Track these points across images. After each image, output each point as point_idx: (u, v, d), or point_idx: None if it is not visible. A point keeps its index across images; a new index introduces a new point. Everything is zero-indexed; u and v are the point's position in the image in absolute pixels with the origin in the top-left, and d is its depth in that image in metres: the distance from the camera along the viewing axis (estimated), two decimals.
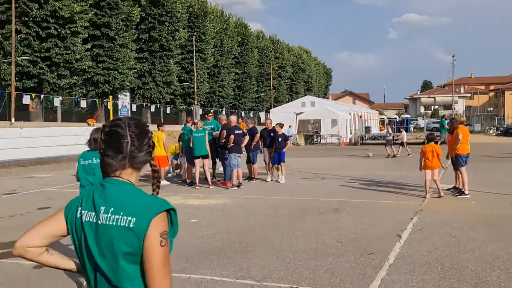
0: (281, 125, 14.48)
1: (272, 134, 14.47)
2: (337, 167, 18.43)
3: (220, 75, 55.82)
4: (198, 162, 13.15)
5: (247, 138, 13.64)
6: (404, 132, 25.98)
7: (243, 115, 55.63)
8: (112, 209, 1.79)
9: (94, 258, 1.80)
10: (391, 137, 24.01)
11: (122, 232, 1.75)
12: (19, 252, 1.90)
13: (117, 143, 1.85)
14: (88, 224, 1.83)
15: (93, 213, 1.83)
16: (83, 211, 1.86)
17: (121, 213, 1.77)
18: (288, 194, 11.90)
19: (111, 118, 17.31)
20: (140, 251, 1.73)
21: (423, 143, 32.04)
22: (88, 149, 5.51)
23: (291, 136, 35.51)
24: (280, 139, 14.22)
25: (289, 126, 36.10)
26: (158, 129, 13.76)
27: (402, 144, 24.52)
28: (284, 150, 14.17)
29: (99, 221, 1.80)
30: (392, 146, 23.24)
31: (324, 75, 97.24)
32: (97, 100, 38.25)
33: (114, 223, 1.77)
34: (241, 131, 13.36)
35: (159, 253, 1.73)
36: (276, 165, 14.36)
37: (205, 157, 13.04)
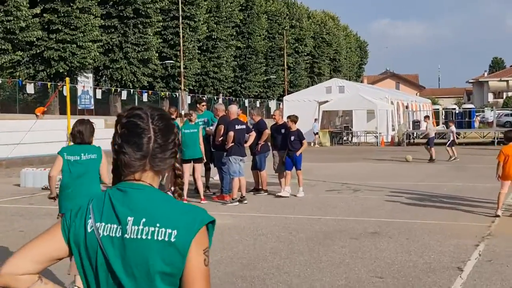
0: (295, 119, 14.29)
1: (283, 131, 14.33)
2: (374, 176, 18.46)
3: (216, 50, 55.92)
4: (188, 167, 13.14)
5: (252, 135, 13.63)
6: (453, 128, 25.92)
7: (246, 104, 55.75)
8: (143, 219, 1.90)
9: (120, 280, 1.90)
10: (433, 135, 24.44)
11: (160, 247, 1.87)
12: (5, 281, 1.94)
13: (137, 138, 1.97)
14: (108, 240, 1.92)
15: (116, 226, 1.92)
16: (97, 224, 1.94)
17: (158, 225, 1.89)
18: (309, 211, 11.92)
19: (68, 107, 17.33)
20: (181, 271, 1.88)
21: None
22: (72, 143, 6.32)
23: (317, 133, 35.42)
24: (293, 138, 14.00)
25: (315, 120, 35.93)
26: None
27: (451, 143, 24.67)
28: (297, 153, 13.95)
29: (126, 235, 1.90)
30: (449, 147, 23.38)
31: (357, 51, 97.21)
32: (49, 83, 38.42)
33: (150, 237, 1.89)
34: (244, 126, 13.36)
35: (203, 274, 1.91)
36: (289, 172, 14.27)
37: (197, 160, 13.05)
